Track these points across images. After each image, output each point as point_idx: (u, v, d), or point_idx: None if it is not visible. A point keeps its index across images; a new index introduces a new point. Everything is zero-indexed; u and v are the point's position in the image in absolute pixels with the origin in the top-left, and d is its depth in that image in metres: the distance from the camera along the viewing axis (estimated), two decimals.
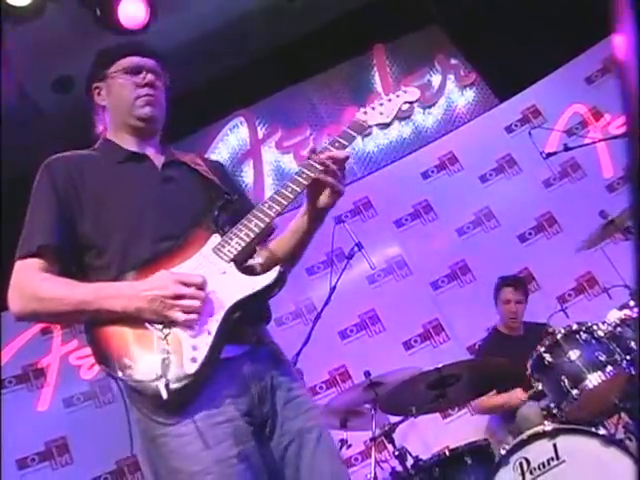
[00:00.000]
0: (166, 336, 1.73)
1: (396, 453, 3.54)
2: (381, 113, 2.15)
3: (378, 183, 5.91)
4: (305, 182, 1.95)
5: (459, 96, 6.32)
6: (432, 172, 5.88)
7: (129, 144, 2.10)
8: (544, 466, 3.03)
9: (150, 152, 2.10)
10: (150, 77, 2.09)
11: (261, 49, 6.16)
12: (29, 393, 5.34)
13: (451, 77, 6.36)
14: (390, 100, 2.18)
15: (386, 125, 2.18)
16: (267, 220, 1.90)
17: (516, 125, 5.94)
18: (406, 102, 2.19)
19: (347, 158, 2.02)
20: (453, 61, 6.39)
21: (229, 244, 1.87)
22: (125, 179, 2.01)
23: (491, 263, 5.21)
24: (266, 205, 1.92)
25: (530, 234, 5.61)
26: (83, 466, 5.08)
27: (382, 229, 5.56)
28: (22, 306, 1.83)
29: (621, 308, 3.56)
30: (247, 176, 6.23)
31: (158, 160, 2.09)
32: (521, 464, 3.07)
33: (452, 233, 5.68)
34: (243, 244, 1.87)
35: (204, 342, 1.73)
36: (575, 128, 5.73)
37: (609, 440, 3.03)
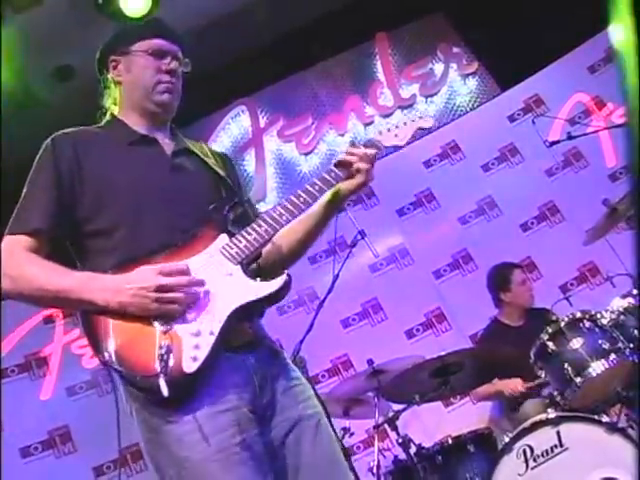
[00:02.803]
0: (167, 331, 1.72)
1: (399, 441, 3.55)
2: (396, 135, 2.22)
3: (380, 172, 5.85)
4: (317, 194, 1.98)
5: (461, 85, 6.29)
6: (434, 161, 5.86)
7: (139, 126, 2.06)
8: (547, 453, 3.04)
9: (160, 137, 2.07)
10: (174, 64, 2.05)
11: (263, 38, 6.13)
12: (31, 382, 5.35)
13: (453, 66, 6.33)
14: (405, 124, 2.25)
15: (399, 147, 2.27)
16: (277, 227, 1.91)
17: (519, 114, 5.92)
18: (420, 128, 2.30)
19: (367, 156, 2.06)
20: (455, 50, 6.35)
21: (237, 246, 1.87)
22: (133, 162, 1.98)
23: (493, 252, 5.20)
24: (277, 212, 1.92)
25: (532, 223, 5.60)
26: (86, 454, 5.10)
27: (384, 218, 5.55)
28: (5, 284, 1.80)
29: (624, 296, 3.55)
30: (249, 165, 6.22)
31: (168, 146, 2.06)
32: (525, 451, 3.08)
33: (454, 222, 5.68)
34: (252, 248, 1.88)
35: (206, 342, 1.73)
36: (578, 117, 5.71)
37: (612, 428, 3.03)
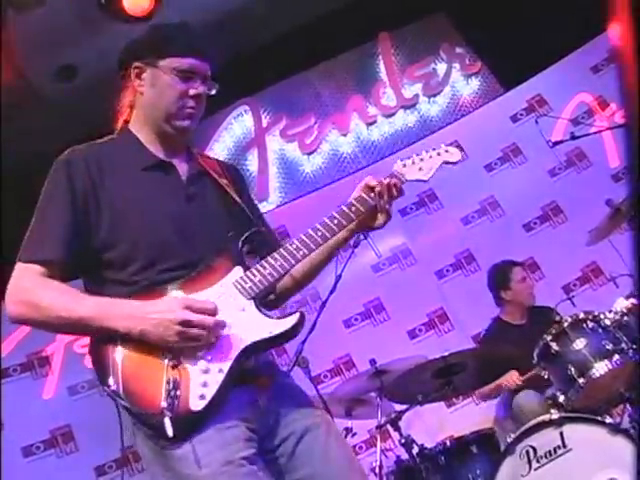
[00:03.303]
0: (175, 366, 1.69)
1: (402, 441, 3.54)
2: (420, 169, 2.12)
3: (383, 172, 5.84)
4: (336, 229, 1.94)
5: (464, 85, 6.28)
6: None
7: (155, 146, 1.99)
8: (551, 454, 3.03)
9: (175, 161, 2.00)
10: (201, 89, 1.94)
11: (266, 37, 6.13)
12: (34, 381, 5.36)
13: (456, 66, 6.32)
14: (431, 157, 2.14)
15: (423, 182, 2.14)
16: (293, 262, 1.88)
17: (521, 114, 5.91)
18: (446, 162, 2.15)
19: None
20: (458, 50, 6.34)
21: (252, 281, 1.83)
22: (149, 191, 1.91)
23: (496, 252, 5.18)
24: (294, 246, 1.88)
25: (535, 223, 5.60)
26: (88, 454, 5.11)
27: None
28: (18, 312, 1.76)
29: (628, 297, 3.54)
30: (251, 165, 6.21)
31: (182, 170, 1.99)
32: (528, 452, 3.07)
33: (457, 222, 5.67)
34: (266, 283, 1.84)
35: (215, 380, 1.70)
36: (581, 117, 5.70)
37: (615, 429, 3.02)
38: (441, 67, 6.34)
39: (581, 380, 3.21)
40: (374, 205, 2.00)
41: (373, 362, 3.88)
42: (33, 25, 4.88)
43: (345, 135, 6.20)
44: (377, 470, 3.58)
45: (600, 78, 5.80)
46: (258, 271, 1.85)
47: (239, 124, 6.36)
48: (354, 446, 4.72)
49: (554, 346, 3.35)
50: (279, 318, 1.82)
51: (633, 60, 0.72)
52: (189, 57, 1.94)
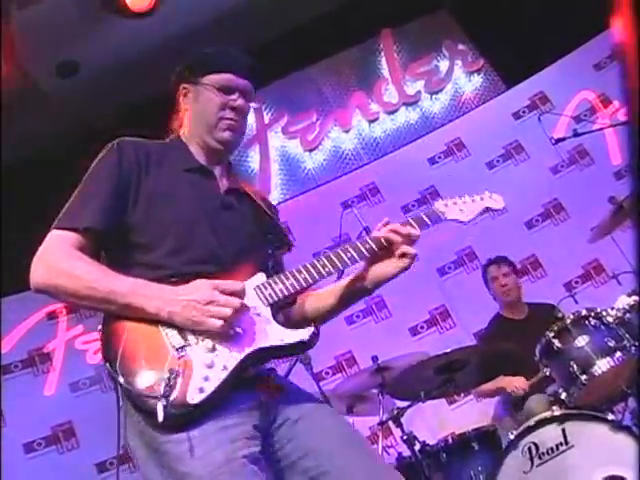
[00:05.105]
0: (180, 357, 1.68)
1: (404, 438, 3.54)
2: (461, 210, 2.11)
3: (385, 169, 5.89)
4: (366, 253, 1.92)
5: (466, 82, 6.28)
6: (439, 158, 5.85)
7: (199, 156, 2.07)
8: (553, 451, 3.03)
9: (217, 172, 2.07)
10: (240, 102, 2.04)
11: (268, 34, 6.12)
12: (35, 378, 5.36)
13: (459, 63, 6.32)
14: (474, 201, 2.15)
15: (463, 223, 2.12)
16: (317, 278, 1.87)
17: (524, 111, 5.91)
18: (488, 208, 2.15)
19: (411, 236, 1.96)
20: (461, 47, 6.34)
21: (272, 288, 1.84)
22: (187, 189, 1.96)
23: (498, 250, 5.16)
24: (320, 262, 1.88)
25: (537, 221, 5.59)
26: (89, 450, 5.10)
27: (389, 215, 5.41)
28: (46, 278, 1.76)
29: (630, 294, 3.53)
30: (253, 161, 6.20)
31: (222, 182, 2.06)
32: (530, 449, 3.07)
33: None
34: (286, 293, 1.84)
35: (217, 376, 1.68)
36: (583, 115, 5.70)
37: (618, 425, 3.02)
38: (443, 64, 6.34)
39: (583, 377, 3.20)
40: (397, 253, 1.95)
41: (375, 359, 3.88)
42: (35, 20, 4.87)
43: (347, 132, 6.19)
44: None
45: (602, 75, 5.79)
46: (280, 280, 1.85)
47: None
48: None
49: (556, 343, 3.34)
50: (293, 329, 1.81)
51: (635, 57, 0.71)
52: (228, 73, 2.06)
